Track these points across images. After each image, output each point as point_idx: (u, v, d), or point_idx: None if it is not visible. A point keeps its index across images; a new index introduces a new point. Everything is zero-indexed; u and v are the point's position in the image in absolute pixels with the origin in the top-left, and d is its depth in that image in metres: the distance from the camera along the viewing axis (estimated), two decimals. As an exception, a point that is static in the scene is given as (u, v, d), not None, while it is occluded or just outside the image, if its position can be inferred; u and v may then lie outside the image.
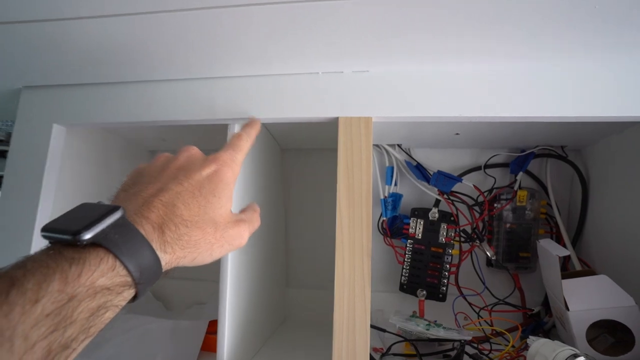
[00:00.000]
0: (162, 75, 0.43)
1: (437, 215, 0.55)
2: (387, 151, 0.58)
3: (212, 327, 0.45)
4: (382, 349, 0.47)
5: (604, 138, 0.49)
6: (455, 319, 0.52)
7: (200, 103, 0.41)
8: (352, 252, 0.34)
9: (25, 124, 0.43)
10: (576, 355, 0.34)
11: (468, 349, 0.44)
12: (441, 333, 0.44)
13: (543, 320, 0.52)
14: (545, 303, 0.53)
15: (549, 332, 0.51)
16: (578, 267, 0.49)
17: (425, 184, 0.56)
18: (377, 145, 0.58)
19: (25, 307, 0.19)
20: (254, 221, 0.32)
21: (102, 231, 0.23)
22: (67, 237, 0.22)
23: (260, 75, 0.40)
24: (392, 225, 0.57)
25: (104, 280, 0.22)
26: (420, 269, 0.54)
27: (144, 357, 0.41)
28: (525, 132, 0.49)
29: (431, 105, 0.36)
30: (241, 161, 0.33)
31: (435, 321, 0.49)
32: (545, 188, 0.55)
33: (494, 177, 0.56)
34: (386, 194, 0.57)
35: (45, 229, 0.23)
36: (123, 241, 0.23)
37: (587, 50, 0.33)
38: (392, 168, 0.58)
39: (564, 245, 0.51)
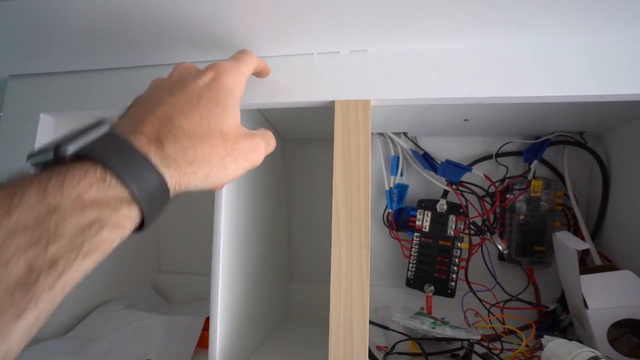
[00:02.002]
0: (155, 60, 0.41)
1: (445, 206, 0.52)
2: (392, 140, 0.55)
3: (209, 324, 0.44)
4: (386, 347, 0.45)
5: (627, 122, 0.45)
6: (465, 316, 0.50)
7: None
8: (350, 244, 0.31)
9: (12, 115, 0.41)
10: (597, 358, 0.31)
11: (478, 347, 0.42)
12: (447, 332, 0.41)
13: (559, 318, 0.49)
14: (562, 300, 0.50)
15: (566, 331, 0.48)
16: (598, 261, 0.46)
17: (433, 174, 0.53)
18: (381, 134, 0.56)
19: None
20: (269, 138, 0.28)
21: (88, 145, 0.20)
22: (48, 154, 0.19)
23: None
24: (398, 218, 0.54)
25: (93, 192, 0.18)
26: (428, 264, 0.52)
27: (137, 353, 0.40)
28: (541, 117, 0.45)
29: (437, 86, 0.33)
30: (246, 75, 0.29)
31: (443, 318, 0.47)
32: (562, 177, 0.52)
33: (506, 167, 0.53)
34: (391, 185, 0.55)
35: (29, 155, 0.20)
36: (113, 153, 0.20)
37: (611, 22, 0.30)
38: (398, 158, 0.55)
39: (582, 239, 0.48)
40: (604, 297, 0.37)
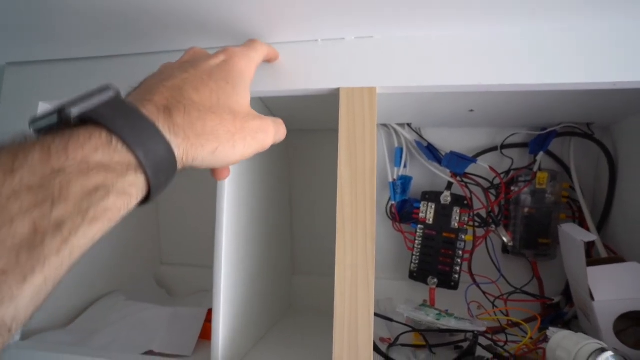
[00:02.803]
0: (159, 47, 0.40)
1: (449, 198, 0.51)
2: (396, 131, 0.54)
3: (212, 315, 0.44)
4: (389, 339, 0.45)
5: (637, 112, 0.44)
6: (468, 309, 0.49)
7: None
8: (355, 235, 0.31)
9: (11, 103, 0.41)
10: (603, 350, 0.30)
11: (482, 340, 0.41)
12: (452, 323, 0.41)
13: (563, 311, 0.49)
14: (566, 292, 0.49)
15: (570, 324, 0.48)
16: (604, 253, 0.45)
17: (437, 165, 0.53)
18: (385, 125, 0.55)
19: None
20: (279, 124, 0.28)
21: (93, 108, 0.19)
22: (53, 117, 0.19)
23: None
24: (402, 210, 0.54)
25: (99, 155, 0.18)
26: (431, 256, 0.51)
27: (139, 345, 0.40)
28: (548, 108, 0.44)
29: (444, 74, 0.32)
30: (256, 61, 0.29)
31: (447, 310, 0.46)
32: (567, 169, 0.51)
33: (512, 158, 0.52)
34: (395, 177, 0.54)
35: (32, 119, 0.20)
36: (119, 116, 0.19)
37: (627, 6, 0.29)
38: (402, 149, 0.54)
39: (588, 231, 0.47)
40: (611, 289, 0.37)
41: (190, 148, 0.22)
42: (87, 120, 0.19)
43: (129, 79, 0.36)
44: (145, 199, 0.20)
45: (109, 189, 0.18)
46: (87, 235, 0.17)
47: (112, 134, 0.18)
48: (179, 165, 0.21)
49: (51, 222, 0.16)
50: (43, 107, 0.40)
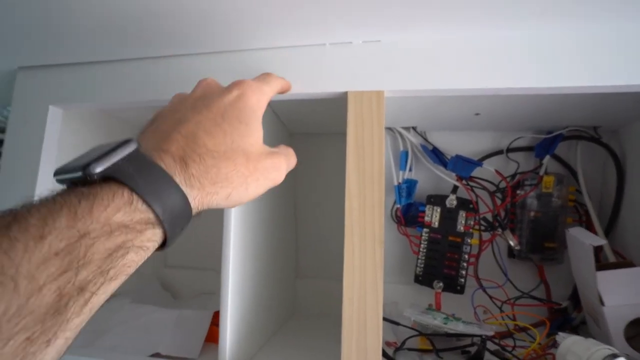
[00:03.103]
0: (166, 52, 0.40)
1: (455, 202, 0.51)
2: (401, 135, 0.54)
3: (218, 318, 0.44)
4: (395, 343, 0.44)
5: (644, 116, 0.44)
6: (475, 313, 0.49)
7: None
8: (363, 239, 0.31)
9: (21, 107, 0.41)
10: (615, 355, 0.30)
11: (489, 345, 0.41)
12: (460, 327, 0.41)
13: (571, 316, 0.48)
14: (573, 297, 0.49)
15: (578, 329, 0.48)
16: (612, 258, 0.45)
17: (443, 169, 0.53)
18: (390, 129, 0.55)
19: (29, 244, 0.16)
20: (290, 156, 0.29)
21: (115, 164, 0.20)
22: (77, 173, 0.20)
23: (262, 49, 0.37)
24: (407, 213, 0.54)
25: (121, 216, 0.19)
26: (437, 260, 0.51)
27: (145, 347, 0.40)
28: (554, 111, 0.44)
29: (452, 77, 0.32)
30: (269, 95, 0.29)
31: (454, 314, 0.46)
32: (574, 173, 0.51)
33: (517, 162, 0.52)
34: (400, 180, 0.54)
35: (56, 171, 0.21)
36: (139, 174, 0.20)
37: (636, 10, 0.29)
38: (407, 152, 0.54)
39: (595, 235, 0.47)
40: (621, 294, 0.37)
41: (205, 197, 0.23)
42: (109, 177, 0.20)
43: (140, 82, 0.37)
44: (160, 247, 0.22)
45: (129, 247, 0.19)
46: (106, 293, 0.18)
47: (133, 193, 0.20)
48: (193, 213, 0.22)
49: (75, 286, 0.17)
50: (53, 111, 0.40)
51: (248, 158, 0.24)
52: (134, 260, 0.19)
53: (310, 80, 0.35)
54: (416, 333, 0.44)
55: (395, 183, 0.54)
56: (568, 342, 0.33)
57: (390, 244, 0.56)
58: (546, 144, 0.51)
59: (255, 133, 0.26)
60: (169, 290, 0.64)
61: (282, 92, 0.35)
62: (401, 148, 0.54)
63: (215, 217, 0.38)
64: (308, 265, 0.61)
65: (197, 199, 0.22)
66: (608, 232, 0.48)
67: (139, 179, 0.20)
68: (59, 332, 0.16)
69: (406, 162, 0.54)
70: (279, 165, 0.27)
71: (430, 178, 0.55)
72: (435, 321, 0.42)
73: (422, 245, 0.52)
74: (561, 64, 0.31)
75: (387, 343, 0.45)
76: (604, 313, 0.37)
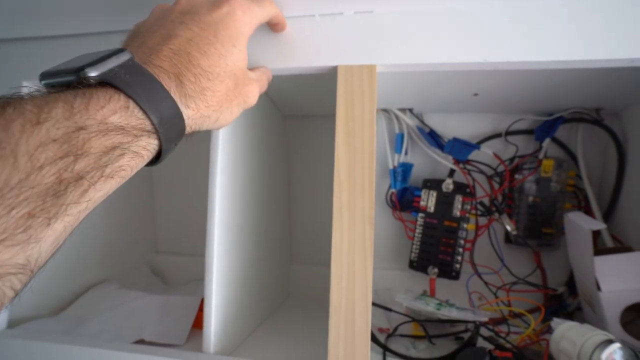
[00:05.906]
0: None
1: (451, 186, 0.50)
2: (397, 116, 0.52)
3: (206, 304, 0.42)
4: (388, 329, 0.43)
5: (648, 97, 0.42)
6: (470, 299, 0.48)
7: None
8: (352, 220, 0.29)
9: (-6, 82, 0.39)
10: (610, 341, 0.29)
11: (483, 331, 0.40)
12: (454, 313, 0.40)
13: (566, 302, 0.48)
14: (569, 283, 0.48)
15: (573, 315, 0.47)
16: (610, 243, 0.44)
17: (439, 152, 0.51)
18: (385, 110, 0.53)
19: (26, 126, 0.16)
20: (263, 82, 0.30)
21: (111, 70, 0.20)
22: (69, 77, 0.19)
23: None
24: (402, 198, 0.52)
25: (117, 118, 0.19)
26: (432, 245, 0.50)
27: (130, 333, 0.39)
28: (555, 92, 0.42)
29: (448, 50, 0.30)
30: (259, 19, 0.28)
31: (447, 300, 0.45)
32: (574, 157, 0.49)
33: (516, 145, 0.51)
34: (395, 164, 0.52)
35: (43, 74, 0.20)
36: (136, 82, 0.20)
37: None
38: (402, 135, 0.52)
39: (595, 220, 0.46)
40: (618, 280, 0.36)
41: (198, 119, 0.23)
42: (105, 82, 0.19)
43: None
44: (154, 161, 0.22)
45: (125, 150, 0.19)
46: (103, 189, 0.18)
47: (130, 99, 0.19)
48: (186, 132, 0.23)
49: (74, 174, 0.17)
50: (27, 87, 0.38)
51: (236, 83, 0.25)
52: (129, 165, 0.19)
53: (299, 54, 0.33)
54: (409, 319, 0.44)
55: (391, 167, 0.52)
56: (563, 327, 0.32)
57: (385, 229, 0.55)
58: (546, 127, 0.49)
59: (244, 57, 0.26)
60: (160, 276, 0.63)
61: (274, 27, 0.33)
62: (397, 130, 0.53)
63: (207, 202, 0.37)
64: (303, 250, 0.60)
65: (191, 120, 0.22)
66: (607, 217, 0.47)
67: (136, 87, 0.19)
68: (59, 214, 0.16)
69: (402, 145, 0.52)
70: (255, 91, 0.27)
71: (427, 161, 0.53)
72: (428, 307, 0.41)
73: (417, 231, 0.51)
74: (566, 35, 0.29)
75: (379, 330, 0.44)
76: (600, 299, 0.36)
